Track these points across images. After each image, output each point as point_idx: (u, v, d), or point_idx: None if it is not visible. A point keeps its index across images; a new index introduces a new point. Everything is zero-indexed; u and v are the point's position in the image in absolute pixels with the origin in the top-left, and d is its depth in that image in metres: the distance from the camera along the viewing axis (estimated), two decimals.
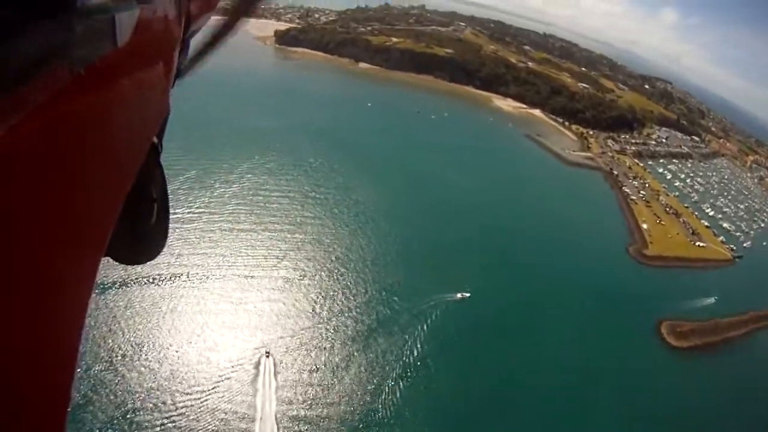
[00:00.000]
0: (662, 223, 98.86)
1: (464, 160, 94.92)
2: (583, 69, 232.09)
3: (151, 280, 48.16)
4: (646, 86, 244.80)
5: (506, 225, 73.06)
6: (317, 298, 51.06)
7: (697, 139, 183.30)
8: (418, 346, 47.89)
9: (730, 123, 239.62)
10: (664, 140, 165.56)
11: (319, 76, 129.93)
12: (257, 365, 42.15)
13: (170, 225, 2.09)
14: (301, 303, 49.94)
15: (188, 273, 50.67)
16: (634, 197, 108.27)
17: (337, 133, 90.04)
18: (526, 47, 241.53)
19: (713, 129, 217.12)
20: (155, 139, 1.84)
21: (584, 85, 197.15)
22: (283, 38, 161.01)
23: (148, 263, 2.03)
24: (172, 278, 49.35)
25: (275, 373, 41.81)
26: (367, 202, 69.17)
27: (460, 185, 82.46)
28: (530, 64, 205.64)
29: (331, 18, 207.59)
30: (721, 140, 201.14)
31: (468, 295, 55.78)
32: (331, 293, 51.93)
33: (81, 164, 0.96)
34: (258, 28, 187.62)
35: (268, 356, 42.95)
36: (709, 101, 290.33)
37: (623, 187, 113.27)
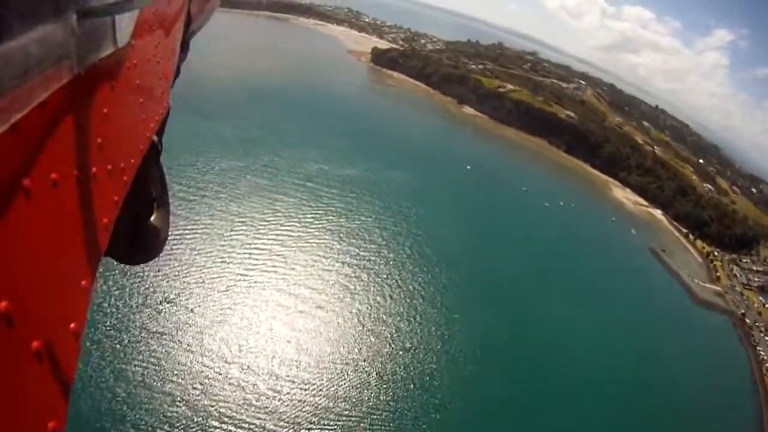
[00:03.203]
0: None
1: (578, 277, 64.70)
2: (701, 161, 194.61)
3: None
4: (753, 189, 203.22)
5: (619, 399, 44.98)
6: None
7: None
8: None
9: None
10: None
11: (413, 113, 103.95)
12: None
13: (170, 226, 2.06)
14: None
15: None
16: None
17: (422, 203, 62.54)
18: (645, 123, 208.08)
19: None
20: (155, 138, 1.85)
21: (708, 186, 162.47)
22: (381, 58, 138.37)
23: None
24: None
25: None
26: (437, 352, 40.83)
27: (570, 327, 52.60)
28: (656, 149, 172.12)
29: (438, 47, 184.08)
30: None
31: None
32: None
33: (81, 162, 0.95)
34: (354, 41, 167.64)
35: None
36: None
37: (757, 347, 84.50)
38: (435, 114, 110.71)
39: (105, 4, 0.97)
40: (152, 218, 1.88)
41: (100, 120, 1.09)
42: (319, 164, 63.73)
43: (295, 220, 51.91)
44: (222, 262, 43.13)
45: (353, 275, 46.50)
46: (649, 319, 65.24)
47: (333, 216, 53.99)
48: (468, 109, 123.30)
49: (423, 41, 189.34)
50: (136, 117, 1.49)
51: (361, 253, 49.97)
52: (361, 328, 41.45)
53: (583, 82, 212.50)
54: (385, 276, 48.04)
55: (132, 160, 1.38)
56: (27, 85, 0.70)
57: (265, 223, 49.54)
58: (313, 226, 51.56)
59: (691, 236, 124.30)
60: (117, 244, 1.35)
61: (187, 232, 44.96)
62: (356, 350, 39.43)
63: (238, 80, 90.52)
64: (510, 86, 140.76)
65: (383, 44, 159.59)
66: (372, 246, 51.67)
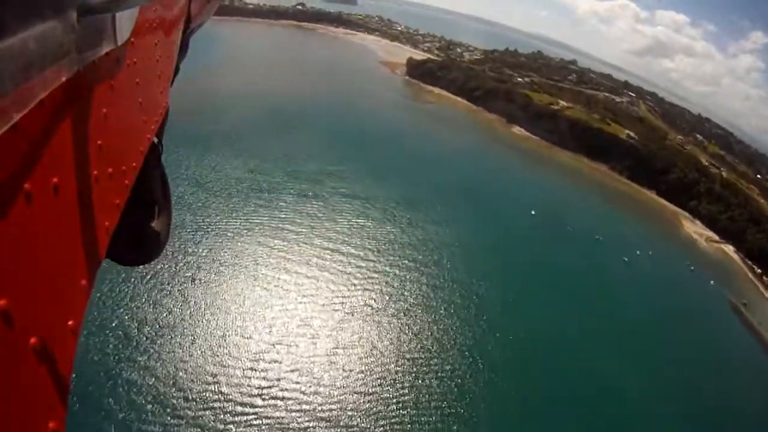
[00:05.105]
0: None
1: (661, 357, 48.51)
2: (758, 176, 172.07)
3: None
4: None
5: None
6: None
7: None
8: None
9: None
10: None
11: (459, 137, 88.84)
12: None
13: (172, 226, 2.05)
14: None
15: None
16: None
17: (483, 274, 47.28)
18: (698, 136, 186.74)
19: None
20: (155, 139, 1.83)
21: None
22: (417, 70, 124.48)
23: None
24: None
25: None
26: None
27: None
28: (723, 171, 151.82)
29: (476, 56, 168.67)
30: None
31: None
32: None
33: (81, 164, 0.94)
34: (387, 52, 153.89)
35: None
36: None
37: None
38: (483, 137, 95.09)
39: (106, 1, 0.94)
40: (153, 221, 1.82)
41: (100, 120, 1.07)
42: (353, 219, 49.70)
43: (319, 308, 37.53)
44: (205, 389, 29.28)
45: (392, 414, 31.88)
46: (729, 398, 48.20)
47: (372, 300, 39.40)
48: (518, 130, 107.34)
49: (459, 50, 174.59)
50: (137, 117, 1.45)
51: (412, 369, 35.31)
52: None
53: (633, 94, 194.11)
54: (439, 401, 33.27)
55: (133, 163, 1.34)
56: (26, 83, 0.69)
57: (276, 316, 35.56)
58: (345, 324, 36.91)
59: (765, 278, 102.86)
60: (117, 246, 1.31)
61: (167, 333, 31.45)
62: None
63: (259, 100, 77.92)
64: (563, 102, 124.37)
65: (418, 54, 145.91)
66: (425, 353, 36.94)
